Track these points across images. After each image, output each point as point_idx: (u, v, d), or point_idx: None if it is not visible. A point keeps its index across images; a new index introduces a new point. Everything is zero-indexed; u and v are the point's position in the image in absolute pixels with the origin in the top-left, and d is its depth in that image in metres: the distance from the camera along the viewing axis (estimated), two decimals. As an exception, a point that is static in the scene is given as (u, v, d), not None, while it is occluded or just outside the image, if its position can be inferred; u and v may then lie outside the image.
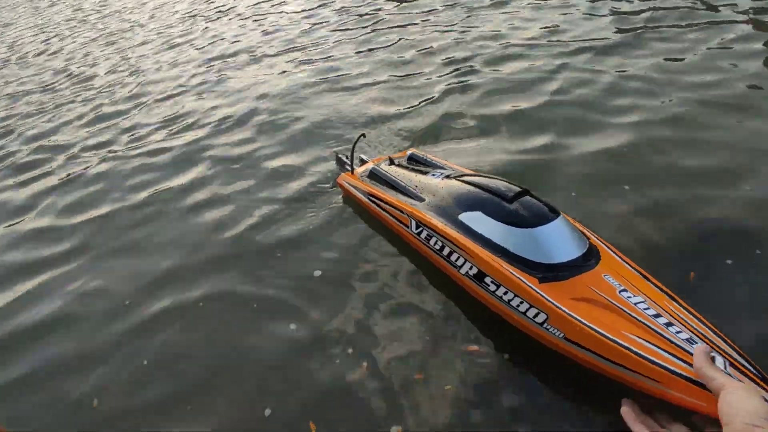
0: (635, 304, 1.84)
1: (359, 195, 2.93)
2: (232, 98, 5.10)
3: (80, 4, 13.21)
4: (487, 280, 2.10)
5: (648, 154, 3.05)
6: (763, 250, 2.25)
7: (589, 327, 1.79)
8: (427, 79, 4.51)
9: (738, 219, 2.47)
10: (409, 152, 3.16)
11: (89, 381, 2.30)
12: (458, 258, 2.23)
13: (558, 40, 4.82)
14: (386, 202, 2.67)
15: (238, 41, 7.01)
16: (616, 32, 4.78)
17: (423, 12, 6.32)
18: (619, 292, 1.89)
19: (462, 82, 4.33)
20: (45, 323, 2.73)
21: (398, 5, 6.91)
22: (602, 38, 4.71)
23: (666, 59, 4.12)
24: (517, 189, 2.18)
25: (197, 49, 7.20)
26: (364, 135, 3.28)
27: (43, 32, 11.14)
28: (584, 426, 1.76)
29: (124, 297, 2.77)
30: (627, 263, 2.06)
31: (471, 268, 2.17)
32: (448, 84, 4.34)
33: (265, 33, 7.05)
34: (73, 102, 6.32)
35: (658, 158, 2.99)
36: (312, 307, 2.41)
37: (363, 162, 3.27)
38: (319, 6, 7.75)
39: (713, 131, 3.14)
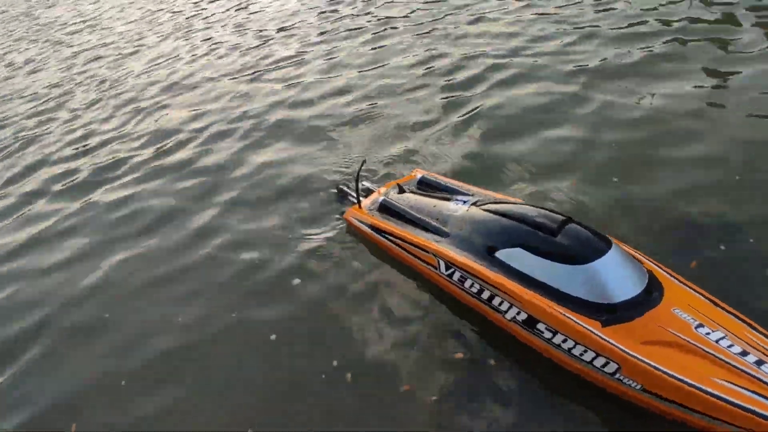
0: (716, 341, 1.63)
1: (373, 233, 2.65)
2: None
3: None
4: (540, 326, 1.87)
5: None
6: (753, 237, 2.25)
7: (671, 376, 1.58)
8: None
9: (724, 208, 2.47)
10: (418, 175, 2.90)
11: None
12: (501, 302, 2.00)
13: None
14: (407, 241, 2.41)
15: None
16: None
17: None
18: (696, 328, 1.68)
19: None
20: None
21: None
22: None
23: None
24: (560, 218, 1.95)
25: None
26: (365, 161, 3.01)
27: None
28: (574, 427, 1.74)
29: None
30: (692, 289, 1.85)
31: (519, 314, 1.94)
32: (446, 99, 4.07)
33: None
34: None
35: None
36: (293, 318, 2.44)
37: (369, 192, 3.00)
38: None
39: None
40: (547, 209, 2.07)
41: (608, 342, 1.70)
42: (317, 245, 2.90)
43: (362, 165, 2.94)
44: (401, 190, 2.80)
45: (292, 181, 3.51)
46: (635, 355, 1.65)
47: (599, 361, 1.73)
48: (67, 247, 3.43)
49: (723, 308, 1.77)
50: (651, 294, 1.79)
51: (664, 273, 1.91)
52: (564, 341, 1.81)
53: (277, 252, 2.93)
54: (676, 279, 1.89)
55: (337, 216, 3.02)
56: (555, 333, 1.83)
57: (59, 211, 3.90)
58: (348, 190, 3.08)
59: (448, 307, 2.28)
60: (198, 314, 2.66)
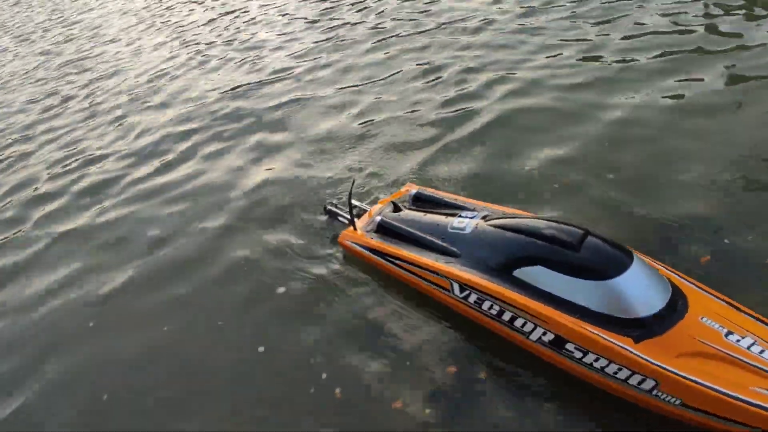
0: (748, 348, 1.63)
1: (373, 257, 2.51)
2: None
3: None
4: (570, 346, 1.82)
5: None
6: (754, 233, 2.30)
7: (711, 389, 1.57)
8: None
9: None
10: (412, 190, 2.78)
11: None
12: (525, 323, 1.93)
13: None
14: (415, 264, 2.29)
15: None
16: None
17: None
18: (726, 336, 1.68)
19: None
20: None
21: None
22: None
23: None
24: (579, 232, 1.90)
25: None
26: (354, 180, 2.87)
27: None
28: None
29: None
30: (713, 295, 1.85)
31: (545, 334, 1.88)
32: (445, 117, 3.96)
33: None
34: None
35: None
36: (283, 334, 2.41)
37: (362, 211, 2.86)
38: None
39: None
40: (561, 222, 2.02)
41: (643, 358, 1.67)
42: (305, 258, 2.81)
43: (353, 184, 2.80)
44: (396, 208, 2.69)
45: (278, 198, 3.37)
46: (672, 370, 1.62)
47: (635, 379, 1.70)
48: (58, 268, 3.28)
49: (745, 312, 1.78)
50: (677, 304, 1.77)
51: (683, 280, 1.91)
52: (596, 360, 1.76)
53: (264, 263, 2.85)
54: (695, 285, 1.89)
55: (329, 237, 2.87)
56: (586, 352, 1.78)
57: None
58: (338, 210, 2.92)
59: (437, 321, 2.27)
60: (184, 325, 2.62)
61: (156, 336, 2.60)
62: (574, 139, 3.20)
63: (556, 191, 2.83)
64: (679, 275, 1.93)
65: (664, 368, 1.63)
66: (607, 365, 1.74)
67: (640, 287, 1.77)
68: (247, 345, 2.41)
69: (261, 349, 2.38)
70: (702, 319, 1.72)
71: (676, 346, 1.67)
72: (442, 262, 2.20)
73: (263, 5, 7.82)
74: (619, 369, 1.72)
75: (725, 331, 1.68)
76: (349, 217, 2.69)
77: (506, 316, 1.98)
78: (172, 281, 2.91)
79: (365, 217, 2.73)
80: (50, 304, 3.01)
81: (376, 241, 2.50)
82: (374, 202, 2.96)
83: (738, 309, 1.79)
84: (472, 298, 2.09)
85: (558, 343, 1.85)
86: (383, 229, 2.54)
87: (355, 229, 2.66)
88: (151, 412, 2.23)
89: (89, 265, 3.25)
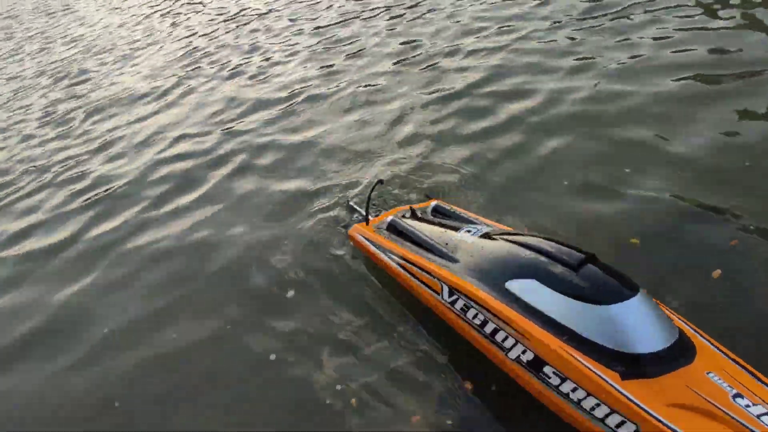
0: (758, 416, 1.37)
1: (375, 251, 2.47)
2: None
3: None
4: (548, 370, 1.63)
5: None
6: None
7: None
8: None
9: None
10: (433, 203, 2.75)
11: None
12: (506, 338, 1.76)
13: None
14: (410, 262, 2.22)
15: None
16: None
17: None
18: (733, 397, 1.42)
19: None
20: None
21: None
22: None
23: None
24: (582, 255, 1.75)
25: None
26: (381, 181, 2.88)
27: None
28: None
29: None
30: (729, 357, 1.60)
31: (524, 353, 1.70)
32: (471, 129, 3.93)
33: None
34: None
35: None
36: (295, 342, 2.35)
37: (379, 213, 2.85)
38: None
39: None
40: (569, 245, 1.88)
41: (627, 397, 1.44)
42: (319, 261, 2.79)
43: (376, 184, 2.81)
44: (413, 214, 2.65)
45: (297, 195, 3.42)
46: (660, 417, 1.39)
47: (614, 419, 1.47)
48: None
49: (764, 382, 1.51)
50: (680, 352, 1.54)
51: (696, 333, 1.68)
52: (574, 390, 1.55)
53: (275, 266, 2.83)
54: (710, 342, 1.65)
55: (341, 228, 2.87)
56: (564, 379, 1.58)
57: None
58: (358, 208, 2.93)
59: (454, 337, 2.10)
60: (193, 329, 2.60)
61: (163, 344, 2.59)
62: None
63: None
64: (693, 328, 1.70)
65: (650, 414, 1.40)
66: (585, 398, 1.53)
67: (638, 321, 1.57)
68: (259, 352, 2.38)
69: (272, 357, 2.33)
70: (708, 374, 1.48)
71: (669, 393, 1.44)
72: (438, 265, 2.10)
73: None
74: (598, 405, 1.50)
75: (734, 392, 1.43)
76: (364, 213, 2.70)
77: (488, 328, 1.82)
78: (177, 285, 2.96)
79: (383, 217, 2.71)
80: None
81: (381, 237, 2.46)
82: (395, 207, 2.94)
83: (757, 378, 1.52)
84: (459, 304, 1.95)
85: (536, 364, 1.66)
86: (392, 228, 2.50)
87: (367, 224, 2.64)
88: (161, 418, 2.22)
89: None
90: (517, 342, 1.72)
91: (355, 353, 2.24)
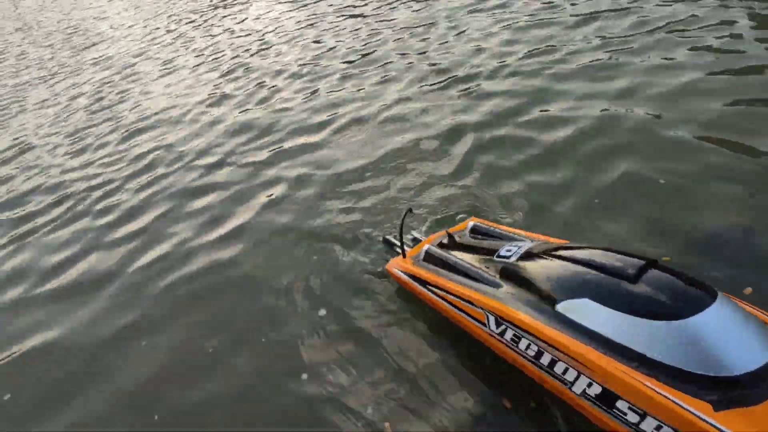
0: None
1: (414, 284, 2.31)
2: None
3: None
4: (621, 405, 1.37)
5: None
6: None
7: None
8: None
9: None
10: (470, 223, 2.56)
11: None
12: (567, 370, 1.52)
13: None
14: (450, 292, 2.03)
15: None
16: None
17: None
18: None
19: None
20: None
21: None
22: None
23: None
24: (641, 262, 1.50)
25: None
26: (411, 210, 2.72)
27: None
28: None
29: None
30: None
31: (590, 386, 1.45)
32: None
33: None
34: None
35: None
36: (326, 361, 2.37)
37: (416, 241, 2.70)
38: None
39: None
40: (627, 252, 1.63)
41: None
42: (358, 300, 2.67)
43: (406, 213, 2.66)
44: (451, 239, 2.47)
45: (332, 229, 3.33)
46: None
47: None
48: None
49: None
50: None
51: None
52: (658, 429, 1.29)
53: (316, 312, 2.73)
54: None
55: (379, 269, 2.74)
56: (643, 417, 1.32)
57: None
58: (394, 241, 2.79)
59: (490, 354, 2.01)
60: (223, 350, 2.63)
61: (195, 357, 2.64)
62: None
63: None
64: None
65: None
66: (673, 438, 1.26)
67: (725, 334, 1.29)
68: (291, 371, 2.39)
69: (304, 376, 2.34)
70: None
71: None
72: (480, 293, 1.90)
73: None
74: (690, 446, 1.23)
75: None
76: (400, 245, 2.55)
77: (545, 359, 1.59)
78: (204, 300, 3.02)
79: (418, 248, 2.55)
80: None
81: (418, 269, 2.30)
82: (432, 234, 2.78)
83: None
84: (509, 334, 1.74)
85: (606, 399, 1.41)
86: (429, 257, 2.33)
87: (404, 257, 2.49)
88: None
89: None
90: (579, 374, 1.48)
91: (390, 375, 2.20)
